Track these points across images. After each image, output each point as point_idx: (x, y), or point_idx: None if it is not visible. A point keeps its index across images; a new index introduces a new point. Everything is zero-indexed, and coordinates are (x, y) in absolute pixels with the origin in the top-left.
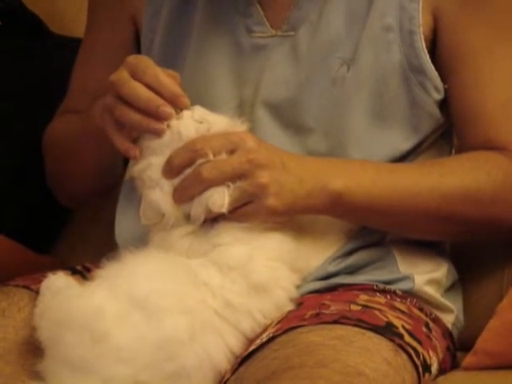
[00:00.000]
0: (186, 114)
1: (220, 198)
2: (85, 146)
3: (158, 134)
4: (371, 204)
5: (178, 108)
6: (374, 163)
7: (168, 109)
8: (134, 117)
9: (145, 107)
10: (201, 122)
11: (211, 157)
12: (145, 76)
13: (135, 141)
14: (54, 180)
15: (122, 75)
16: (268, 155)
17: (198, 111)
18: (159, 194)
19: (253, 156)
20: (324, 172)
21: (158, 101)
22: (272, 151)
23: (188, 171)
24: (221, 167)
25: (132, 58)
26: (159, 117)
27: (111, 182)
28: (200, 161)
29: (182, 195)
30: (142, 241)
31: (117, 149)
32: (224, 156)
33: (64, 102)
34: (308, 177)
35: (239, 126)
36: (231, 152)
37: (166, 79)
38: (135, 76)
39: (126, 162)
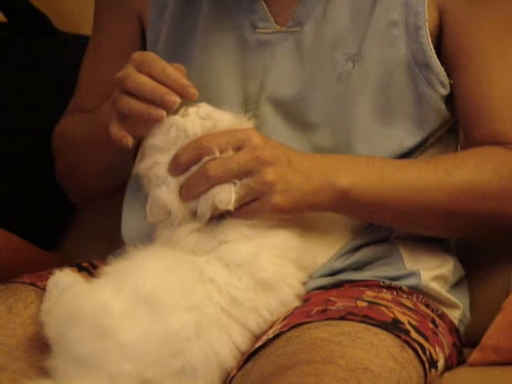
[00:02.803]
0: (191, 110)
1: (226, 196)
2: (95, 146)
3: (158, 120)
4: (377, 200)
5: (186, 99)
6: (380, 159)
7: (173, 97)
8: (135, 105)
9: (149, 96)
10: (206, 119)
11: (217, 154)
12: (151, 69)
13: (140, 140)
14: (63, 177)
15: (128, 70)
16: (274, 152)
17: (204, 108)
18: (166, 191)
19: (259, 153)
20: (330, 169)
21: (163, 89)
22: (278, 148)
23: (194, 168)
24: (227, 164)
25: (137, 54)
26: (164, 105)
27: (121, 181)
28: (206, 158)
29: (189, 192)
30: (148, 237)
31: (111, 137)
32: (230, 153)
33: (72, 100)
34: (314, 174)
35: (245, 123)
36: (237, 149)
37: (173, 71)
38: (141, 70)
39: (134, 159)
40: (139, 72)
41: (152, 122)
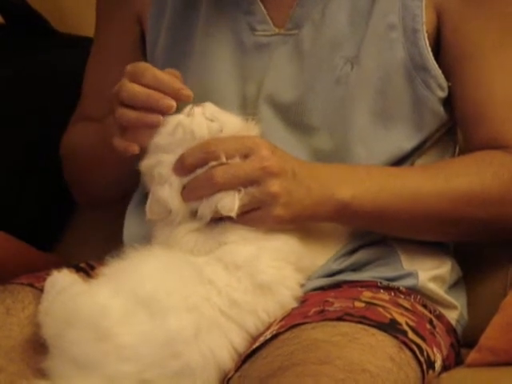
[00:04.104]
0: (197, 111)
1: (230, 202)
2: (103, 159)
3: (155, 125)
4: (377, 211)
5: (182, 101)
6: (379, 169)
7: (168, 100)
8: (132, 115)
9: (144, 104)
10: (213, 121)
11: (224, 160)
12: (143, 78)
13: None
14: (74, 186)
15: (122, 82)
16: (280, 164)
17: (210, 108)
18: (168, 190)
19: (266, 164)
20: (332, 181)
21: (157, 95)
22: (284, 159)
23: (199, 171)
24: (233, 172)
25: (130, 66)
26: (160, 110)
27: (132, 189)
28: (212, 163)
29: (192, 194)
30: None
31: (116, 150)
32: (237, 160)
33: (78, 107)
34: (316, 186)
35: (252, 128)
36: (244, 156)
37: (165, 76)
38: (134, 80)
39: None
40: (133, 83)
41: (151, 129)
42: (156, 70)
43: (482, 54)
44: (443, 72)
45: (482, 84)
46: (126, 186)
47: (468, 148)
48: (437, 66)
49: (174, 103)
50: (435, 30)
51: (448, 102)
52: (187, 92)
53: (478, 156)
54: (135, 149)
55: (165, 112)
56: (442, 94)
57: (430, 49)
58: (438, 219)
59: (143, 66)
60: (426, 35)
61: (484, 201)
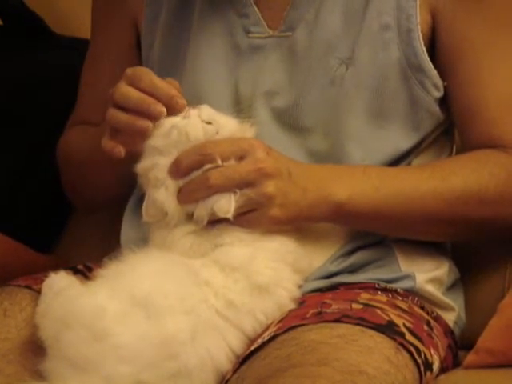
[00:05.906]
0: (193, 113)
1: (226, 204)
2: (102, 162)
3: (143, 131)
4: (374, 212)
5: (175, 110)
6: (376, 169)
7: (159, 107)
8: (122, 117)
9: (135, 107)
10: (209, 123)
11: (219, 162)
12: (140, 82)
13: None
14: (70, 189)
15: (119, 84)
16: (276, 165)
17: (206, 111)
18: (164, 193)
19: (261, 165)
20: (327, 181)
21: (150, 100)
22: (280, 160)
23: (195, 174)
24: (229, 174)
25: (129, 70)
26: (150, 116)
27: (128, 192)
28: (208, 166)
29: (188, 197)
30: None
31: (104, 152)
32: (232, 162)
33: (75, 111)
34: (312, 187)
35: (248, 130)
36: (240, 158)
37: (161, 83)
38: (132, 84)
39: None
40: (130, 86)
41: (140, 134)
42: (154, 76)
43: (476, 54)
44: (439, 72)
45: (476, 84)
46: (122, 191)
47: (464, 147)
48: (432, 66)
49: (164, 110)
50: (430, 31)
51: (444, 102)
52: (181, 101)
53: (474, 155)
54: (121, 151)
55: (155, 118)
56: (438, 94)
57: (424, 49)
58: (434, 219)
59: (142, 70)
60: (420, 35)
61: (481, 200)
